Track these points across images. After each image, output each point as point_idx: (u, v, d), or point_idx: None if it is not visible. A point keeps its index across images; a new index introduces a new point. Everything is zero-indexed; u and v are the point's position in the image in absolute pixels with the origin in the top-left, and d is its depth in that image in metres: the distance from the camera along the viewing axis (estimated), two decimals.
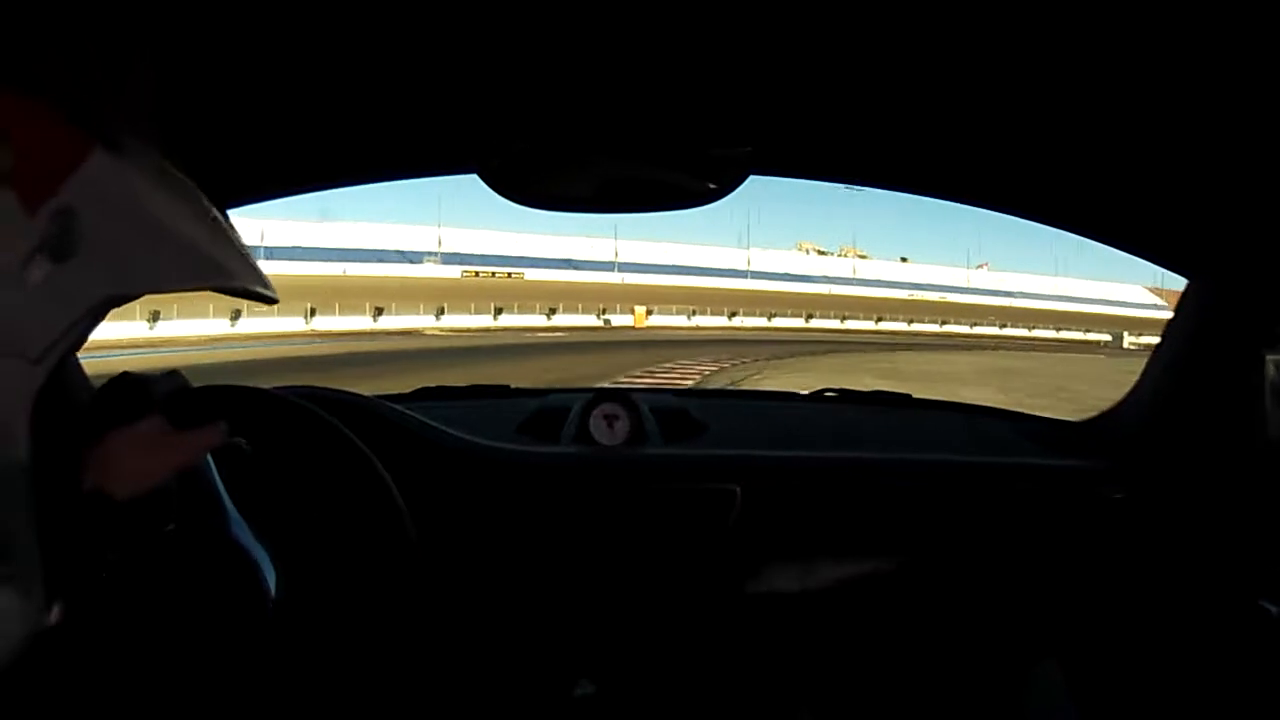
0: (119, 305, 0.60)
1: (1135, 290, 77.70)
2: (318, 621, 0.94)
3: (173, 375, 0.95)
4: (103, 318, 0.61)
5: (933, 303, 63.75)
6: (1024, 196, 1.40)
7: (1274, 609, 1.20)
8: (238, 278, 0.66)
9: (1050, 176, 1.29)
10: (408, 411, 1.50)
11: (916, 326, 56.69)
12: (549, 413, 1.67)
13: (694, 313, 48.77)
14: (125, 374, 0.91)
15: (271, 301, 0.70)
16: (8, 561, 0.58)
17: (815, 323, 53.28)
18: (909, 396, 1.92)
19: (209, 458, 0.93)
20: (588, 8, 0.88)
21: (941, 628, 1.51)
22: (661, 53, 0.99)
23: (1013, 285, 71.97)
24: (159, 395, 0.90)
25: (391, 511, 1.00)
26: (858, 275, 64.41)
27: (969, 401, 2.02)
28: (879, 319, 56.11)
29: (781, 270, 61.01)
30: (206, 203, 0.68)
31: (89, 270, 0.57)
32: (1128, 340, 54.63)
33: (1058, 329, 60.98)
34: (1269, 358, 1.26)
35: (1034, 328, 60.18)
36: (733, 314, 50.67)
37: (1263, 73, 0.88)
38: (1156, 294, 76.24)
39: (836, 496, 1.52)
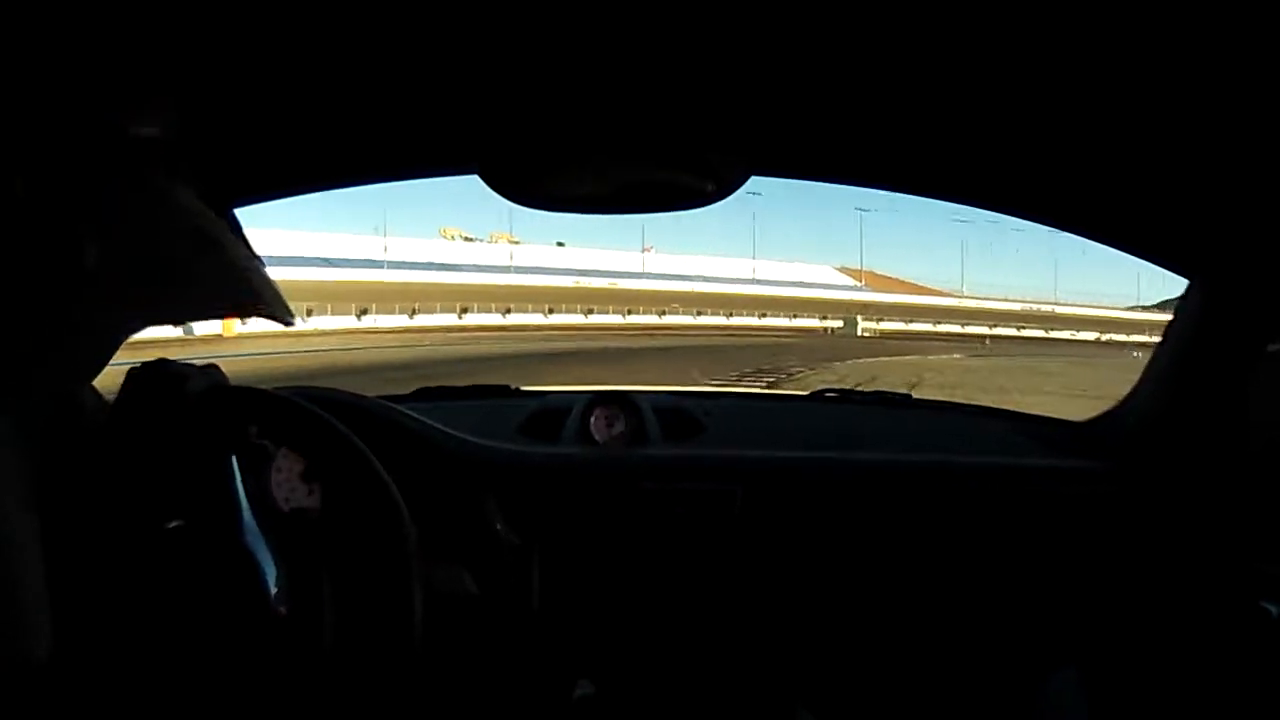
0: (140, 331, 0.62)
1: (825, 270, 74.18)
2: (317, 621, 0.93)
3: (209, 371, 0.95)
4: (122, 343, 0.62)
5: (606, 291, 54.72)
6: (1024, 196, 1.40)
7: (1274, 609, 1.20)
8: (265, 303, 0.69)
9: (1050, 177, 1.29)
10: (408, 412, 1.50)
11: (596, 319, 50.05)
12: (550, 413, 1.68)
13: (310, 312, 38.40)
14: (163, 360, 0.92)
15: (288, 323, 0.72)
16: (6, 556, 0.59)
17: (471, 318, 45.60)
18: (909, 397, 1.96)
19: (233, 457, 0.93)
20: (588, 8, 0.88)
21: (941, 629, 1.51)
22: (663, 53, 0.99)
23: (689, 268, 63.84)
24: (194, 391, 0.92)
25: (391, 512, 0.99)
26: (515, 263, 55.15)
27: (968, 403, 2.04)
28: (550, 310, 49.94)
29: (424, 260, 51.29)
30: (234, 236, 0.69)
31: (117, 300, 0.58)
32: (861, 326, 49.43)
33: (761, 315, 55.85)
34: (1270, 348, 1.27)
35: (732, 314, 55.22)
36: (362, 312, 42.20)
37: (1263, 73, 0.88)
38: (846, 274, 73.45)
39: (837, 497, 1.52)
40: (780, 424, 1.86)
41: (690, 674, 1.51)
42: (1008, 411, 1.93)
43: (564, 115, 1.17)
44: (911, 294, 72.07)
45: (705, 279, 61.85)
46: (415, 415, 1.50)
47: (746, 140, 1.24)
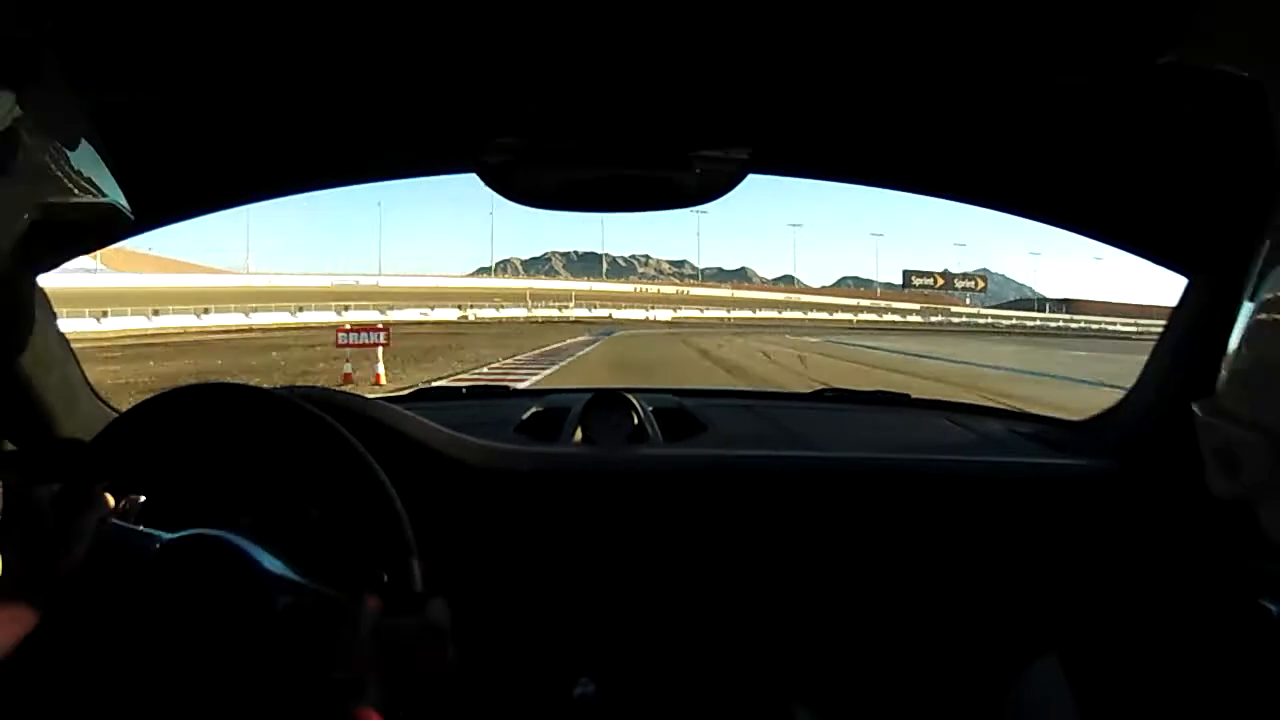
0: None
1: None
2: (316, 622, 0.94)
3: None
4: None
5: None
6: (1024, 196, 1.39)
7: (1274, 609, 1.20)
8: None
9: (1050, 176, 1.29)
10: (406, 412, 1.49)
11: None
12: (548, 413, 1.69)
13: None
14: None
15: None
16: None
17: None
18: (908, 396, 1.99)
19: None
20: (586, 6, 0.89)
21: (940, 626, 1.51)
22: (660, 51, 1.00)
23: None
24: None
25: (389, 513, 1.00)
26: None
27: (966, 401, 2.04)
28: None
29: None
30: None
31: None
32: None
33: (101, 317, 35.12)
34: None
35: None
36: None
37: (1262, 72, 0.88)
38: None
39: (836, 496, 1.51)
40: (779, 423, 1.84)
41: (689, 672, 1.50)
42: (1007, 410, 1.95)
43: (562, 113, 1.17)
44: (179, 273, 61.95)
45: None
46: (414, 416, 1.48)
47: (745, 138, 1.23)
